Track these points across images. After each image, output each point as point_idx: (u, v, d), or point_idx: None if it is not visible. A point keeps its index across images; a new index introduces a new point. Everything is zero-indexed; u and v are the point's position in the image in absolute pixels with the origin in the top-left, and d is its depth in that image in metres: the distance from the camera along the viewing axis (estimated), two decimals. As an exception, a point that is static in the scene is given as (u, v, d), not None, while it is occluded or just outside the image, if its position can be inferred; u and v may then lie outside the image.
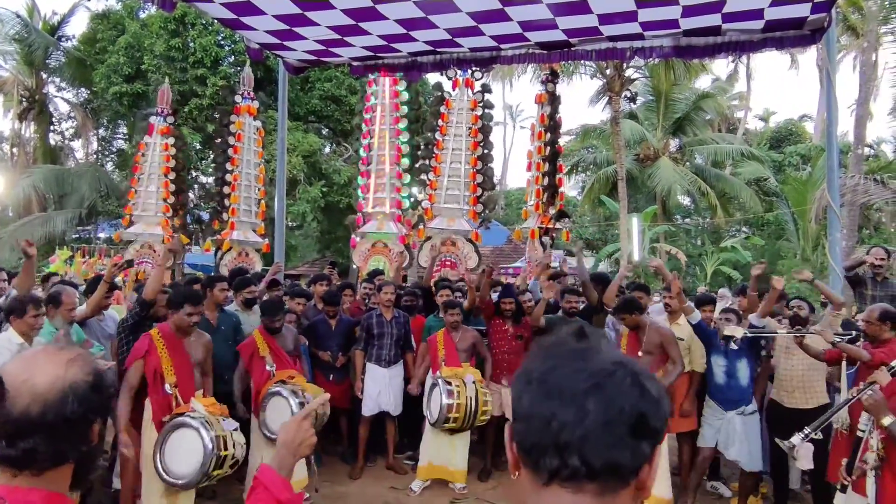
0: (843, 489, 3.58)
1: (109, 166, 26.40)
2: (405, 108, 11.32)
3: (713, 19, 5.83)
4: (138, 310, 4.85)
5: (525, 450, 0.88)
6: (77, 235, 23.15)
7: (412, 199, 12.11)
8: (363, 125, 11.58)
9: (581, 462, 0.83)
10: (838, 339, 4.41)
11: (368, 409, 6.18)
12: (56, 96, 25.70)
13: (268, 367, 5.21)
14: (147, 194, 11.54)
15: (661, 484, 5.26)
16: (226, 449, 4.09)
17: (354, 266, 11.41)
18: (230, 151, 11.31)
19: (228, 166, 11.36)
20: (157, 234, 11.37)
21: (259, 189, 11.71)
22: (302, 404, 5.13)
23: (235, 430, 4.26)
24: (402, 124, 11.20)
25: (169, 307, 4.67)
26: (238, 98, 11.57)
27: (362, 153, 11.50)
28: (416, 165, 11.33)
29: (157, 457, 4.07)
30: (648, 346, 5.31)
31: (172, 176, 11.50)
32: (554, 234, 10.02)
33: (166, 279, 11.05)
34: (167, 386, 4.28)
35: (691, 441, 5.75)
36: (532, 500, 0.88)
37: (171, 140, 11.63)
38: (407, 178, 11.28)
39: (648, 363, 5.28)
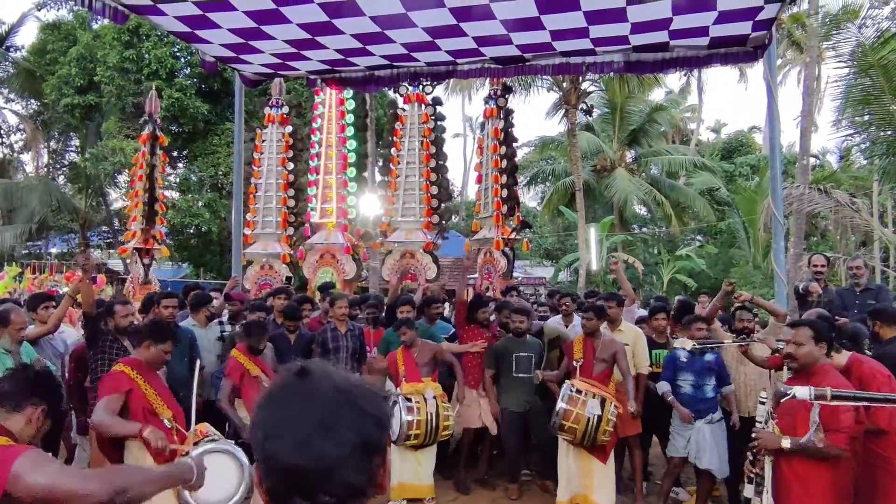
0: (751, 481, 3.64)
1: (61, 180, 25.74)
2: (351, 116, 11.35)
3: (661, 36, 6.04)
4: (85, 323, 4.97)
5: (273, 495, 0.91)
6: (27, 251, 22.50)
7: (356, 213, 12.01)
8: (310, 135, 11.58)
9: (328, 497, 0.89)
10: (781, 346, 4.58)
11: (328, 424, 6.12)
12: (4, 108, 25.08)
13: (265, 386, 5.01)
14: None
15: (605, 490, 5.34)
16: None
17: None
18: (252, 165, 11.08)
19: (252, 180, 11.13)
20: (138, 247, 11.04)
21: (280, 197, 11.35)
22: None
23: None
24: (349, 132, 11.22)
25: (146, 338, 4.11)
26: (266, 109, 11.45)
27: (310, 163, 11.47)
28: (376, 182, 11.34)
29: (185, 493, 3.57)
30: (602, 354, 5.51)
31: (141, 185, 11.13)
32: (514, 245, 10.16)
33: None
34: (165, 421, 3.92)
35: (640, 444, 5.90)
36: None
37: (148, 148, 11.35)
38: (353, 186, 11.24)
39: (602, 370, 5.48)
